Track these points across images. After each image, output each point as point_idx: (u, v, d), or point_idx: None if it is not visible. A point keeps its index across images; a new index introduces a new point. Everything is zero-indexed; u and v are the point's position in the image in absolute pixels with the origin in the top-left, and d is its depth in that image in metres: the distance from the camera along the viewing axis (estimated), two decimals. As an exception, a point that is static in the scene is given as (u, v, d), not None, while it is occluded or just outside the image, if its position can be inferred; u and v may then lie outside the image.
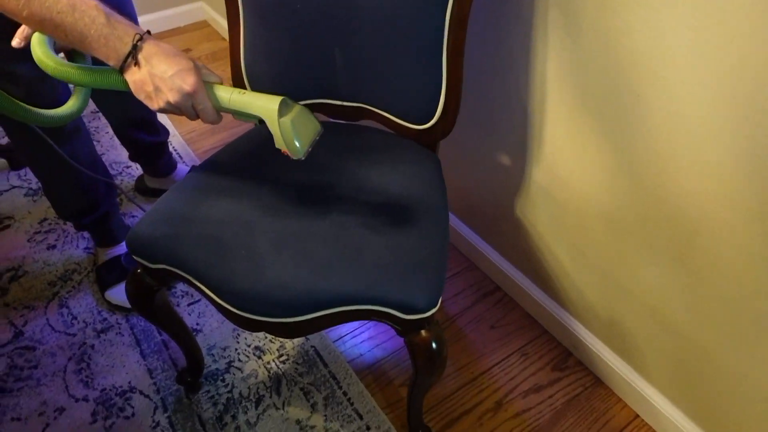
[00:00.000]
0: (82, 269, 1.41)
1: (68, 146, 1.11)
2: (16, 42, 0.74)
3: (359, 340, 1.25)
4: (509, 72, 1.03)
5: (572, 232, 1.08)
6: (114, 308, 1.31)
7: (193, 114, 0.71)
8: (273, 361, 1.20)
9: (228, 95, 0.72)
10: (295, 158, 0.73)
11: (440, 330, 0.81)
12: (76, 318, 1.30)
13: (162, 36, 2.42)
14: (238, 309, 0.78)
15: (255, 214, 0.83)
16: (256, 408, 1.12)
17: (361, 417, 1.11)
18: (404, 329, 0.80)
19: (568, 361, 1.21)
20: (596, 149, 0.93)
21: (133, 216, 1.56)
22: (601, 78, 0.86)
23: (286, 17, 0.92)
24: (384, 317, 0.78)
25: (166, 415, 1.11)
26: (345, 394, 1.14)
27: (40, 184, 1.54)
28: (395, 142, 0.99)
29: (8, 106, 0.94)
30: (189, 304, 1.32)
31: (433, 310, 0.77)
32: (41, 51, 0.72)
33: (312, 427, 1.09)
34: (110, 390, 1.16)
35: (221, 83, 0.74)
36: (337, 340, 1.25)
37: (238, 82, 1.01)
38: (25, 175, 1.70)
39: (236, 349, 1.22)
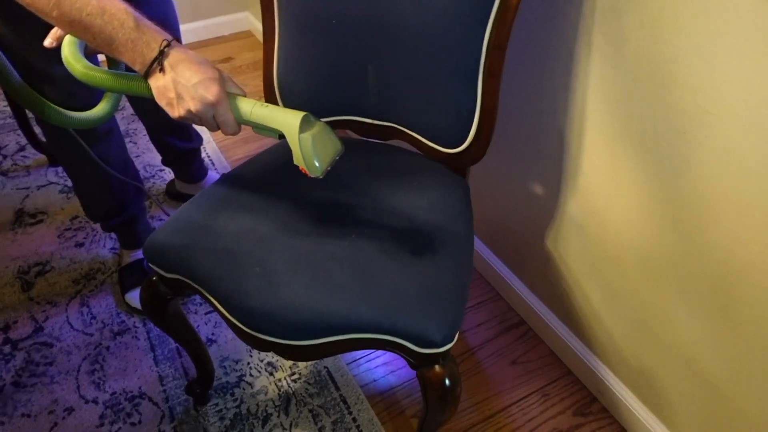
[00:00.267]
0: (106, 269, 1.42)
1: (100, 148, 1.12)
2: (48, 42, 0.74)
3: (374, 364, 1.21)
4: (546, 98, 0.99)
5: (605, 272, 1.02)
6: (132, 311, 1.31)
7: (214, 125, 0.70)
8: (285, 378, 1.18)
9: (250, 108, 0.70)
10: (312, 176, 0.70)
11: (455, 366, 0.77)
12: (95, 318, 1.30)
13: (206, 44, 2.46)
14: (247, 327, 0.76)
15: (272, 231, 0.81)
16: (263, 426, 1.09)
17: (369, 446, 1.07)
18: (417, 362, 0.76)
19: (592, 406, 1.14)
20: (635, 185, 0.88)
21: (160, 220, 1.57)
22: (644, 109, 0.81)
23: (321, 32, 0.90)
24: (397, 348, 0.75)
25: (172, 425, 1.10)
26: (354, 420, 1.10)
27: (72, 183, 1.57)
28: (424, 164, 0.96)
29: (39, 107, 0.96)
30: (206, 313, 1.31)
31: (449, 345, 0.73)
32: (70, 53, 0.72)
33: (318, 452, 1.06)
34: (120, 394, 1.15)
35: (245, 96, 0.72)
36: (351, 363, 1.21)
37: (269, 94, 1.00)
38: (62, 172, 1.73)
39: (249, 363, 1.20)
